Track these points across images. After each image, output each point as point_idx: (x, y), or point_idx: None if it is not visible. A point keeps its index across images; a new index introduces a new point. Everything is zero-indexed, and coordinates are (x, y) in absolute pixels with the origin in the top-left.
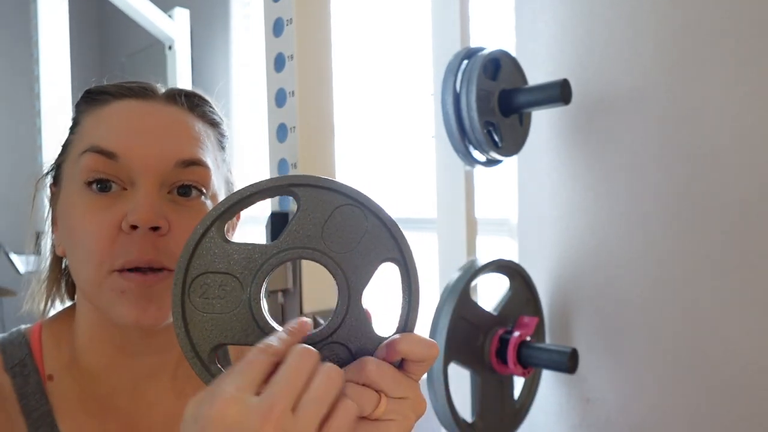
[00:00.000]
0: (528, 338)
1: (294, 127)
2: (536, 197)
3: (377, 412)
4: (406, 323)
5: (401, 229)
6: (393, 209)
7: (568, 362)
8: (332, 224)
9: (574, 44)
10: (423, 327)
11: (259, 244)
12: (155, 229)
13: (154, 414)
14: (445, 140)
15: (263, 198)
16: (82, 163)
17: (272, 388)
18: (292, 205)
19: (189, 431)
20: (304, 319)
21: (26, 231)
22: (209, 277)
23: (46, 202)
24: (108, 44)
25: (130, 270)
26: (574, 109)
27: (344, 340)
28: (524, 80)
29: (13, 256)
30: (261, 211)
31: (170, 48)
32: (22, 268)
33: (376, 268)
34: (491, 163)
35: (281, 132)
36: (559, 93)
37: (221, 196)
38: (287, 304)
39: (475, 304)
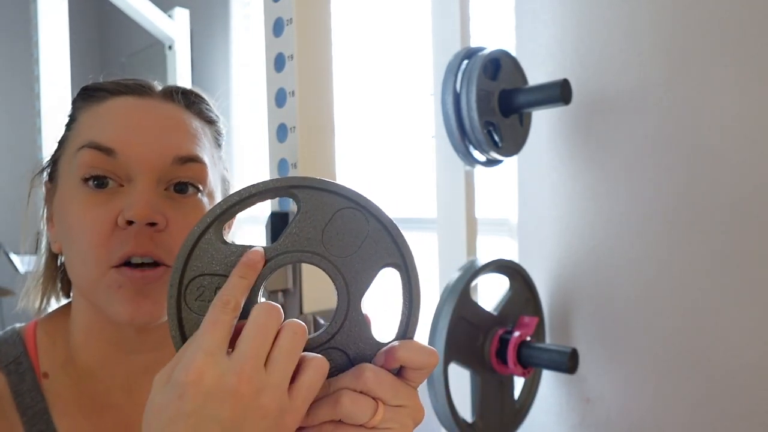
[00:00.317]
0: (528, 338)
1: (294, 127)
2: (536, 197)
3: (374, 420)
4: (406, 330)
5: (403, 234)
6: (393, 209)
7: (568, 362)
8: (333, 228)
9: (574, 44)
10: (423, 327)
11: (258, 247)
12: (152, 225)
13: None
14: (445, 140)
15: (263, 200)
16: (79, 159)
17: (242, 347)
18: (292, 206)
19: (164, 402)
20: (253, 249)
21: (23, 230)
22: (206, 280)
23: (42, 200)
24: (108, 44)
25: (127, 264)
26: (574, 109)
27: (342, 346)
28: (524, 80)
29: (13, 256)
30: (261, 210)
31: (170, 48)
32: (22, 268)
33: (376, 273)
34: (491, 163)
35: (281, 132)
36: (559, 93)
37: (218, 194)
38: (287, 304)
39: (475, 304)
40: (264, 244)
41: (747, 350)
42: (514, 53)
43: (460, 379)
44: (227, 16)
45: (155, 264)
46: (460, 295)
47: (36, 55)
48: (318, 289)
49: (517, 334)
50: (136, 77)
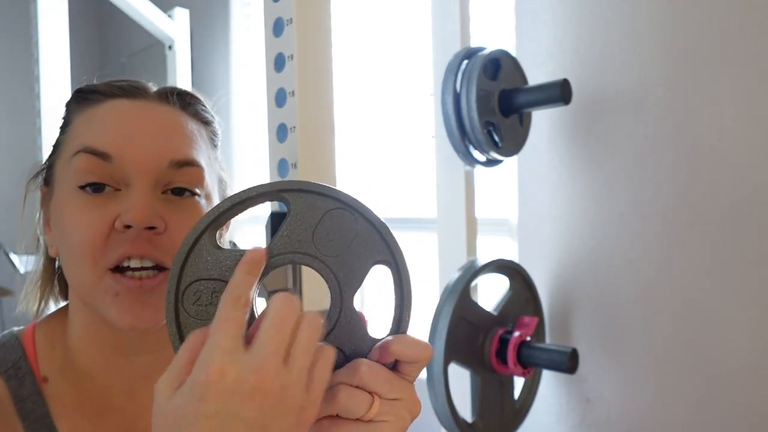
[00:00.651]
0: (528, 338)
1: (294, 127)
2: (536, 197)
3: (370, 413)
4: (399, 325)
5: (392, 232)
6: (393, 209)
7: (568, 362)
8: (323, 228)
9: (574, 44)
10: (423, 327)
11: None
12: (151, 228)
13: (150, 414)
14: (445, 140)
15: (254, 204)
16: (75, 165)
17: (261, 342)
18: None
19: (181, 405)
20: (255, 248)
21: (20, 232)
22: (202, 284)
23: (38, 204)
24: (108, 44)
25: (123, 270)
26: (574, 109)
27: (338, 343)
28: (524, 80)
29: (13, 256)
30: (261, 210)
31: (170, 48)
32: (22, 268)
33: (367, 271)
34: (491, 163)
35: (281, 132)
36: (559, 93)
37: (215, 195)
38: None
39: (475, 304)
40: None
41: (747, 350)
42: (514, 53)
43: (460, 379)
44: (227, 16)
45: (154, 267)
46: (460, 295)
47: (36, 55)
48: (318, 290)
49: (517, 334)
50: (130, 78)
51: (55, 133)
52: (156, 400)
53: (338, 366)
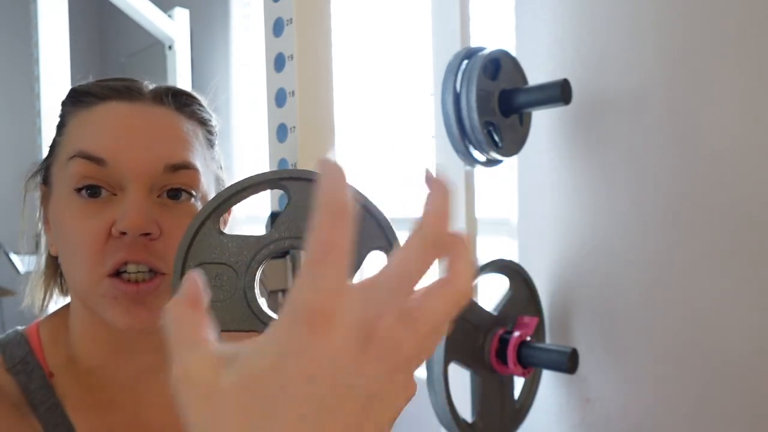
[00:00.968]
0: (528, 338)
1: (294, 127)
2: (536, 197)
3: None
4: None
5: (389, 219)
6: (393, 209)
7: (568, 362)
8: None
9: (574, 44)
10: None
11: (252, 236)
12: (146, 234)
13: (154, 410)
14: (445, 140)
15: (255, 192)
16: (71, 169)
17: (383, 286)
18: None
19: (285, 327)
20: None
21: (20, 231)
22: (206, 268)
23: (38, 202)
24: (108, 44)
25: (121, 274)
26: (574, 109)
27: None
28: (524, 80)
29: (13, 256)
30: (261, 211)
31: (170, 48)
32: (22, 268)
33: (364, 257)
34: (491, 163)
35: (281, 132)
36: (559, 93)
37: (212, 195)
38: None
39: (475, 304)
40: (257, 235)
41: (747, 350)
42: (514, 53)
43: (460, 379)
44: (227, 16)
45: (150, 272)
46: None
47: (36, 55)
48: None
49: (517, 334)
50: (125, 77)
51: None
52: (180, 395)
53: None
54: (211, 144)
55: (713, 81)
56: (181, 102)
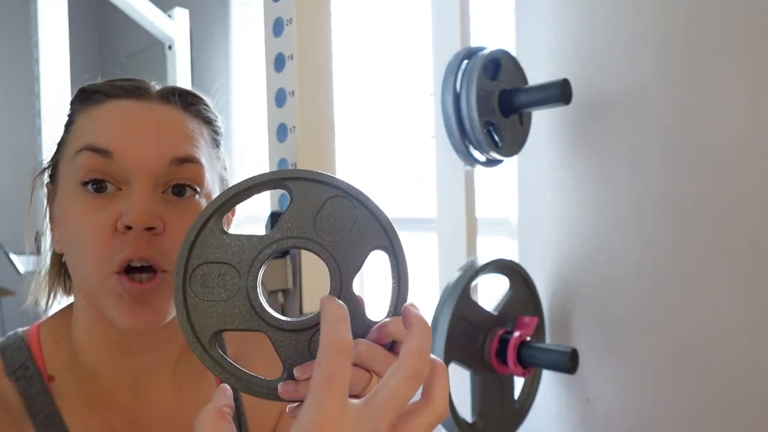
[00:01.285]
0: (528, 338)
1: (294, 127)
2: (536, 197)
3: (367, 390)
4: (396, 307)
5: (390, 219)
6: (393, 209)
7: (568, 362)
8: (324, 215)
9: (574, 44)
10: None
11: (255, 235)
12: (150, 229)
13: (156, 409)
14: (445, 140)
15: (258, 191)
16: (78, 162)
17: (375, 412)
18: None
19: None
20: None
21: (26, 230)
22: (208, 267)
23: (44, 201)
24: (108, 44)
25: (126, 270)
26: (574, 109)
27: None
28: (524, 80)
29: (13, 256)
30: (261, 211)
31: (170, 48)
32: (22, 268)
33: (366, 256)
34: (491, 163)
35: (281, 132)
36: (559, 93)
37: (215, 194)
38: (287, 304)
39: (475, 304)
40: (260, 234)
41: (747, 350)
42: (514, 53)
43: (460, 379)
44: (227, 16)
45: (152, 269)
46: (460, 295)
47: (36, 55)
48: (318, 290)
49: (517, 334)
50: (133, 77)
51: (56, 133)
52: None
53: None
54: (216, 144)
55: (713, 81)
56: (188, 101)
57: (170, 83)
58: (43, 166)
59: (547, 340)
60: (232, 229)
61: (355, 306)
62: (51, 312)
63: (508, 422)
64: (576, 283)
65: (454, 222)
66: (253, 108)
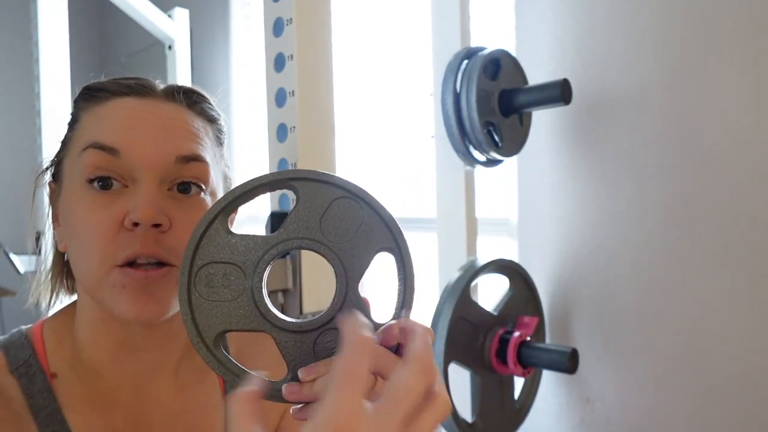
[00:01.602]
0: (528, 338)
1: (294, 127)
2: (536, 197)
3: (372, 392)
4: (402, 309)
5: (396, 220)
6: (393, 209)
7: (568, 362)
8: (330, 216)
9: (574, 44)
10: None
11: (260, 236)
12: (156, 225)
13: (158, 408)
14: (445, 140)
15: (264, 191)
16: (84, 160)
17: (388, 411)
18: (291, 205)
19: None
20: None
21: (26, 230)
22: (213, 267)
23: (46, 200)
24: (108, 44)
25: (131, 264)
26: (574, 109)
27: None
28: (524, 80)
29: (13, 256)
30: (262, 211)
31: (170, 48)
32: (22, 268)
33: (372, 257)
34: (491, 163)
35: (281, 132)
36: (559, 93)
37: (220, 192)
38: (287, 304)
39: (475, 304)
40: (266, 235)
41: (747, 350)
42: (514, 53)
43: (460, 379)
44: (227, 16)
45: (159, 264)
46: (460, 295)
47: (36, 54)
48: (318, 290)
49: (517, 334)
50: (138, 76)
51: (56, 133)
52: None
53: None
54: (220, 142)
55: (713, 81)
56: (192, 99)
57: (171, 83)
58: (45, 165)
59: (547, 340)
60: (234, 230)
61: (361, 307)
62: (53, 311)
63: (508, 422)
64: (576, 283)
65: (454, 222)
66: (253, 108)
